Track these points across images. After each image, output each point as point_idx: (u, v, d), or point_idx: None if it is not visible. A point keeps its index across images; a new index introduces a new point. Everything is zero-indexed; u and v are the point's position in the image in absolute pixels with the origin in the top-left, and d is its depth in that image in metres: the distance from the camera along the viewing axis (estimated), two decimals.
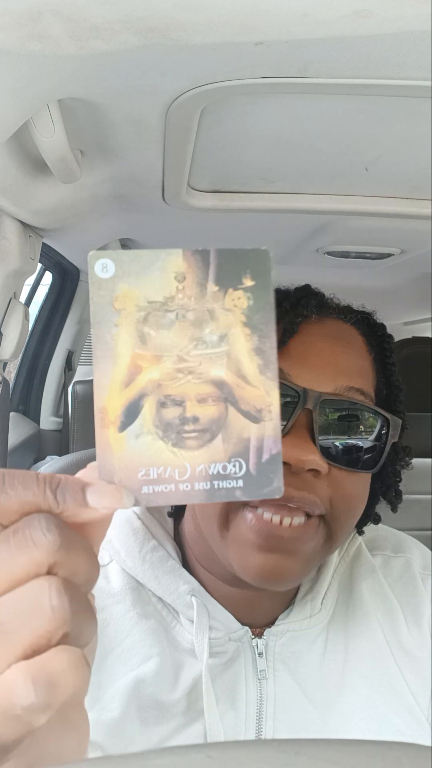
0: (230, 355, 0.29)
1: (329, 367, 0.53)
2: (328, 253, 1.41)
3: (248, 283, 0.29)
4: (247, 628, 0.57)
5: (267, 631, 0.57)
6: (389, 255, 1.39)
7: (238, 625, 0.56)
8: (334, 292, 0.63)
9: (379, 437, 0.54)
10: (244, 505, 0.50)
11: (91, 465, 0.30)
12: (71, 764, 0.24)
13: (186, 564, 0.60)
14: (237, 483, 0.29)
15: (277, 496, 0.30)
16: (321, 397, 0.50)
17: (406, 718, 0.55)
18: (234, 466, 0.29)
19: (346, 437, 0.53)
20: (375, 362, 0.58)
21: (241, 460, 0.29)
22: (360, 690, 0.56)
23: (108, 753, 0.50)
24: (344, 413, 0.53)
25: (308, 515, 0.50)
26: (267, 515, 0.49)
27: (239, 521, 0.50)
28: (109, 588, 0.58)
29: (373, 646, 0.58)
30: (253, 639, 0.56)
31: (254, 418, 0.30)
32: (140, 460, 0.29)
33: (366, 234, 1.22)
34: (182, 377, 0.29)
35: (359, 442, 0.53)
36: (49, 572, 0.26)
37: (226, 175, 0.95)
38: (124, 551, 0.59)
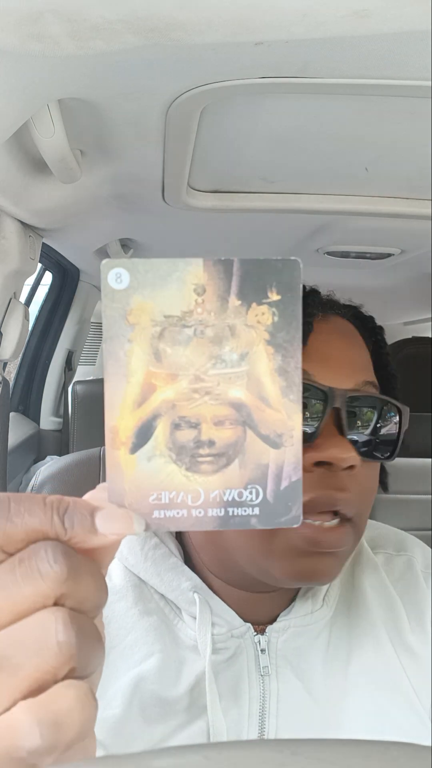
0: (251, 375, 0.27)
1: (347, 364, 0.54)
2: (328, 253, 1.41)
3: (274, 297, 0.27)
4: (249, 624, 0.57)
5: (269, 628, 0.57)
6: (389, 255, 1.39)
7: (241, 621, 0.56)
8: (334, 292, 0.63)
9: (395, 427, 0.56)
10: None
11: (100, 486, 0.29)
12: (71, 764, 0.24)
13: (188, 562, 0.60)
14: (253, 511, 0.28)
15: (295, 526, 0.28)
16: (346, 394, 0.51)
17: (409, 716, 0.55)
18: (250, 493, 0.28)
19: (371, 431, 0.54)
20: (372, 354, 0.59)
21: (258, 486, 0.28)
22: (363, 687, 0.56)
23: (110, 751, 0.50)
24: (365, 408, 0.54)
25: (338, 515, 0.51)
26: (309, 520, 0.49)
27: (287, 530, 0.50)
28: (111, 585, 0.58)
29: (377, 644, 0.58)
30: (255, 635, 0.56)
31: (274, 443, 0.28)
32: (152, 484, 0.27)
33: (366, 234, 1.22)
34: (198, 398, 0.27)
35: (381, 434, 0.55)
36: (56, 603, 0.25)
37: (226, 175, 0.95)
38: (126, 548, 0.59)
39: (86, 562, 0.26)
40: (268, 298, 0.27)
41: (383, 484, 0.63)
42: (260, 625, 0.58)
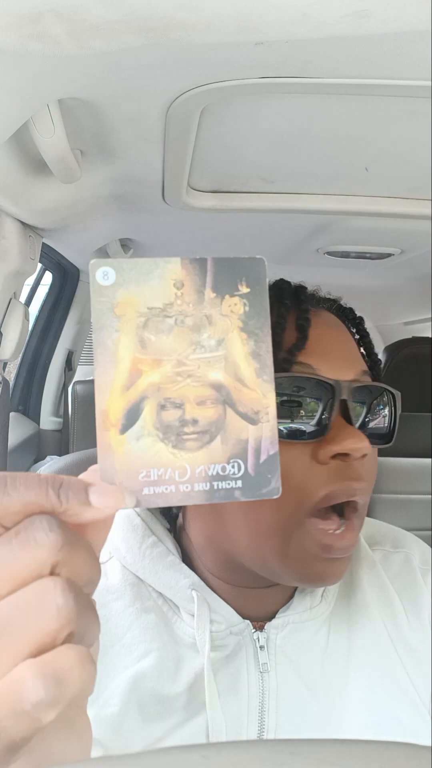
0: (228, 359, 0.30)
1: (345, 355, 0.55)
2: (328, 253, 1.41)
3: (244, 290, 0.30)
4: (248, 621, 0.57)
5: (268, 625, 0.57)
6: (389, 255, 1.39)
7: (239, 618, 0.56)
8: (332, 292, 0.63)
9: (392, 412, 0.57)
10: (303, 518, 0.50)
11: (92, 468, 0.30)
12: (69, 764, 0.24)
13: (185, 560, 0.60)
14: (236, 483, 0.30)
15: (275, 497, 0.30)
16: (351, 386, 0.52)
17: (409, 712, 0.55)
18: (233, 467, 0.30)
19: (374, 418, 0.56)
20: (358, 343, 0.60)
21: (239, 461, 0.30)
22: (363, 683, 0.56)
23: (109, 750, 0.50)
24: (368, 397, 0.55)
25: (343, 516, 0.51)
26: (322, 526, 0.50)
27: (302, 535, 0.50)
28: (108, 584, 0.58)
29: (376, 639, 0.58)
30: (254, 632, 0.57)
31: (252, 420, 0.30)
32: (141, 462, 0.29)
33: (366, 234, 1.22)
34: (181, 380, 0.30)
35: (383, 420, 0.56)
36: (53, 572, 0.26)
37: (226, 175, 0.95)
38: (124, 547, 0.59)
39: (79, 536, 0.27)
40: (239, 290, 0.30)
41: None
42: (259, 621, 0.58)
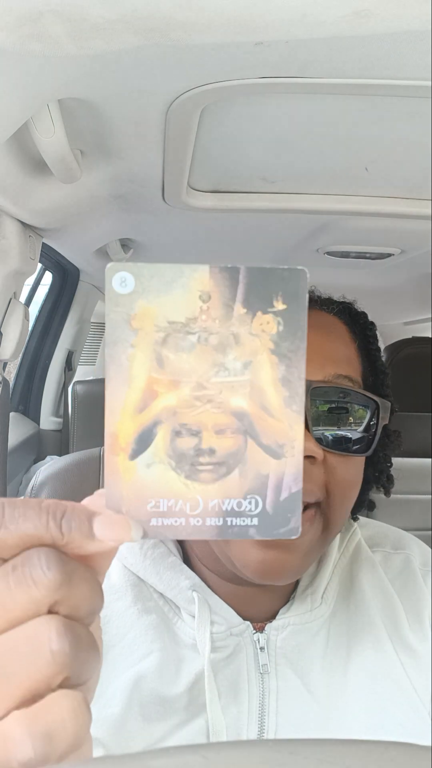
0: (254, 384, 0.27)
1: (316, 356, 0.53)
2: (328, 253, 1.41)
3: (279, 306, 0.27)
4: (248, 622, 0.57)
5: (268, 626, 0.57)
6: (389, 255, 1.39)
7: (240, 619, 0.56)
8: (332, 292, 0.63)
9: (370, 421, 0.55)
10: None
11: (98, 492, 0.28)
12: (69, 764, 0.24)
13: (186, 561, 0.60)
14: (251, 521, 0.28)
15: (294, 537, 0.28)
16: (311, 385, 0.51)
17: (409, 713, 0.55)
18: (250, 503, 0.28)
19: (339, 423, 0.53)
20: (359, 349, 0.59)
21: (257, 497, 0.28)
22: (363, 684, 0.56)
23: (109, 749, 0.50)
24: (335, 400, 0.53)
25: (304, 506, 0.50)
26: None
27: None
28: (110, 584, 0.58)
29: (376, 641, 0.58)
30: (254, 633, 0.57)
31: (275, 453, 0.28)
32: (150, 491, 0.27)
33: (366, 234, 1.22)
34: (200, 405, 0.27)
35: (352, 427, 0.54)
36: (50, 610, 0.25)
37: (226, 175, 0.95)
38: (125, 548, 0.59)
39: (81, 568, 0.26)
40: (273, 307, 0.27)
41: (384, 489, 0.62)
42: (259, 622, 0.58)
